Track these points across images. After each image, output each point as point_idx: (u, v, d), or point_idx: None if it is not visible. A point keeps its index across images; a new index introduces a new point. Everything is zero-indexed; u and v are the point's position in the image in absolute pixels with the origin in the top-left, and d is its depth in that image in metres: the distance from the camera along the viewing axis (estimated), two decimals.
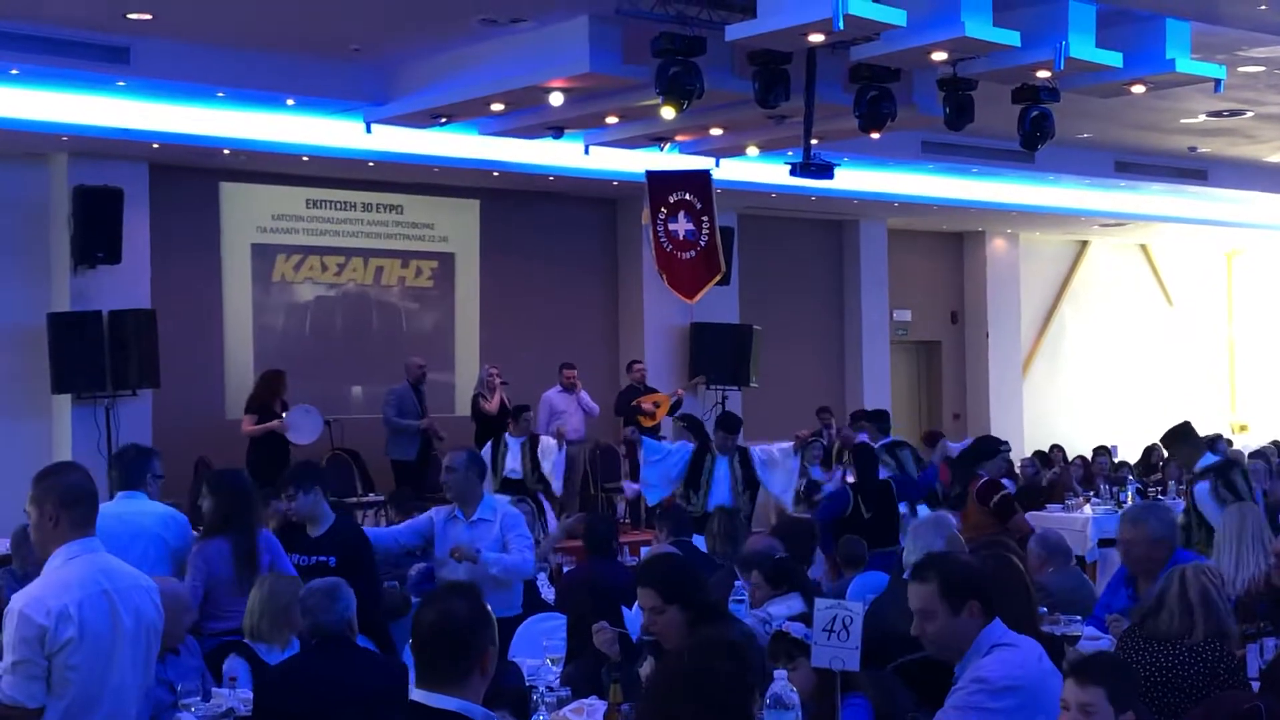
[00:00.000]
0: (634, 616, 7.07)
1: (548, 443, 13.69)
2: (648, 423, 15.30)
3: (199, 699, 5.62)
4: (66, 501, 4.56)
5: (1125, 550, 6.76)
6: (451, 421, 15.69)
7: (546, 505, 13.16)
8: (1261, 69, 13.46)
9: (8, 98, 12.63)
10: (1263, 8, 11.27)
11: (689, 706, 3.81)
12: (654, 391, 16.38)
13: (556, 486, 13.67)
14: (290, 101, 13.33)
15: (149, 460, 7.39)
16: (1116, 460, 16.69)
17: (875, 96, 11.50)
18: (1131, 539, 6.67)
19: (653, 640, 5.42)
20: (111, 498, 7.22)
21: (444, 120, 13.15)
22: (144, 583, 4.75)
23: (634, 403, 15.85)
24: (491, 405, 15.10)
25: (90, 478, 4.71)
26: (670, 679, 3.93)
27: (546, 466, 13.48)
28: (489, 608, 3.85)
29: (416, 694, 3.75)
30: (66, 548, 4.55)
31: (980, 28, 10.18)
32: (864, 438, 13.64)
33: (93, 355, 13.65)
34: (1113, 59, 11.16)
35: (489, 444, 13.51)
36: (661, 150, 14.57)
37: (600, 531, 9.09)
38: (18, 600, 4.48)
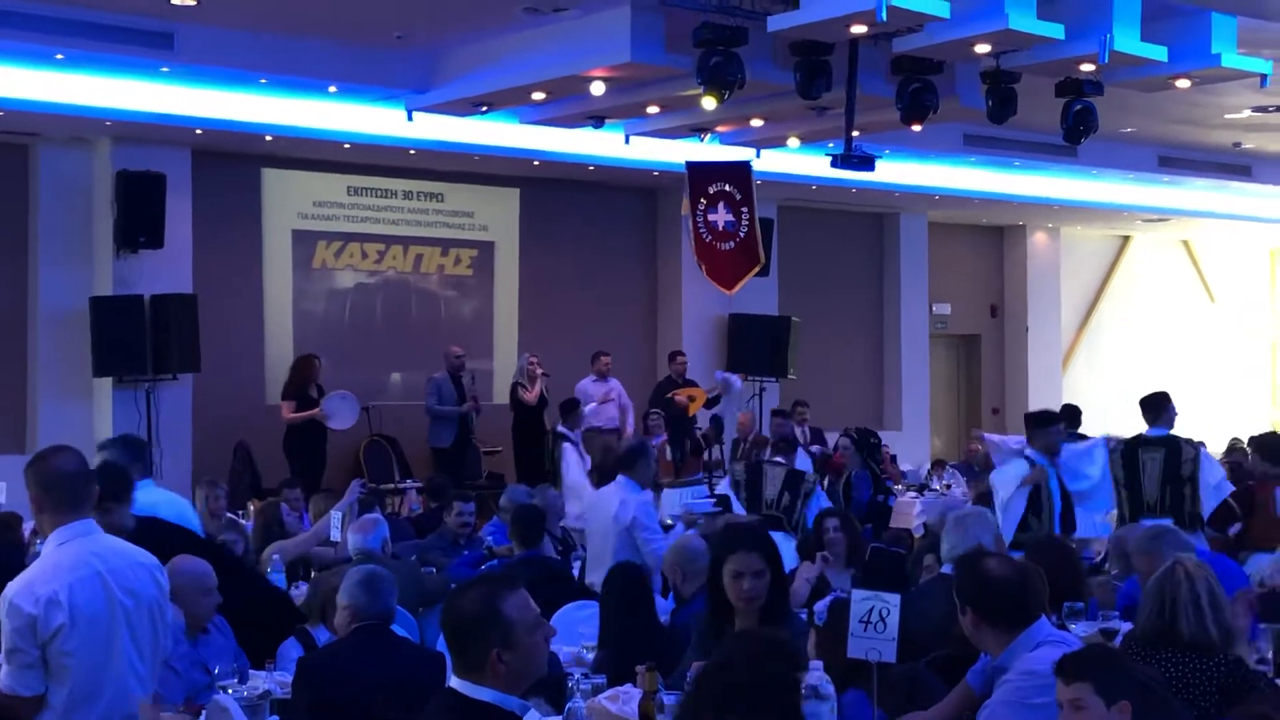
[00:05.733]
0: (665, 605, 7.09)
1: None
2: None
3: (235, 680, 5.64)
4: (47, 485, 4.48)
5: (1144, 581, 6.02)
6: (490, 410, 15.73)
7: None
8: None
9: (52, 82, 12.70)
10: None
11: (742, 709, 3.81)
12: (691, 384, 16.37)
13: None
14: (332, 88, 13.37)
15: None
16: None
17: (917, 89, 11.46)
18: (1149, 569, 5.94)
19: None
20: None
21: (485, 109, 13.16)
22: (143, 559, 4.65)
23: (668, 395, 15.86)
24: (531, 395, 15.13)
25: (80, 459, 4.61)
26: (722, 684, 3.90)
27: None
28: (506, 610, 3.70)
29: (454, 680, 3.76)
30: (58, 532, 4.47)
31: (1024, 20, 10.11)
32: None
33: (134, 339, 13.74)
34: (1158, 53, 11.07)
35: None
36: (702, 141, 14.54)
37: None
38: (10, 588, 4.41)
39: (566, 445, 13.55)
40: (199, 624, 5.95)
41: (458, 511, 9.74)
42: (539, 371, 15.24)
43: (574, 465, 13.22)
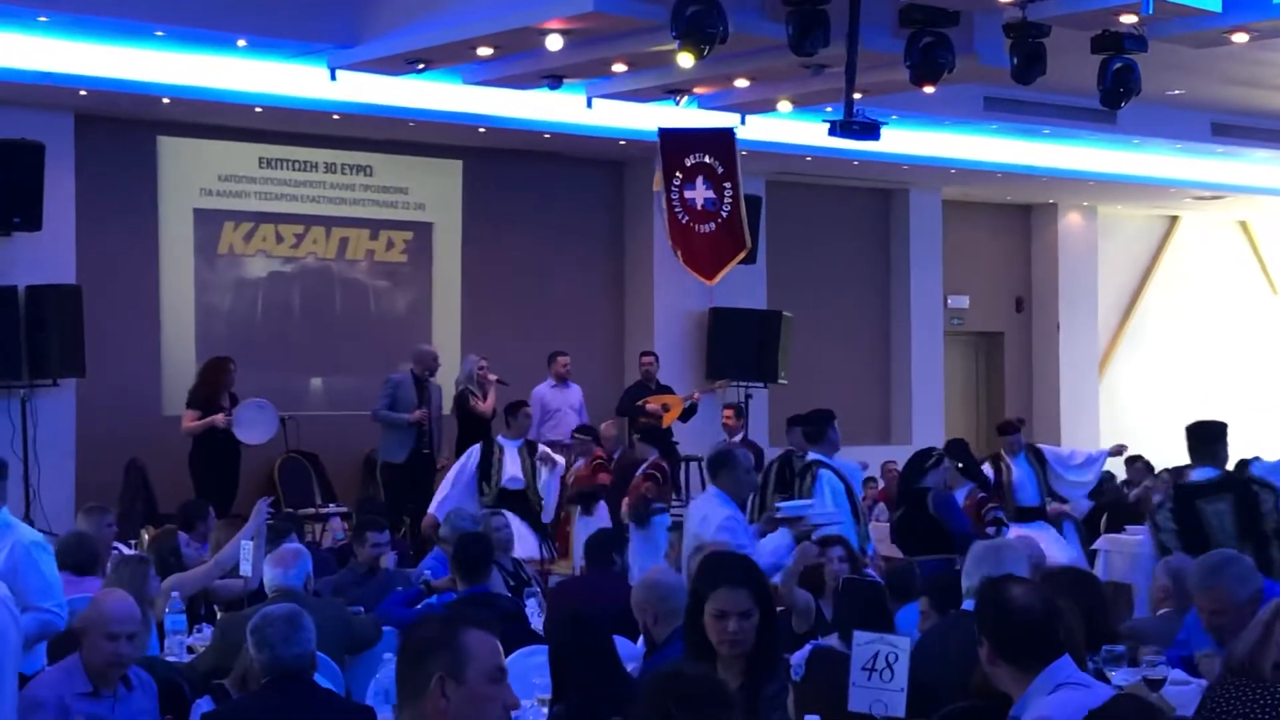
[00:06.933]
0: (635, 650, 7.09)
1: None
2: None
3: None
4: None
5: (1207, 620, 6.48)
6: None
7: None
8: None
9: None
10: None
11: None
12: (666, 390, 16.36)
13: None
14: (241, 42, 13.32)
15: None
16: None
17: (930, 43, 11.49)
18: (1212, 608, 6.37)
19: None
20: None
21: (422, 66, 13.13)
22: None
23: (639, 404, 15.86)
24: (486, 405, 15.08)
25: None
26: None
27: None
28: (468, 641, 3.63)
29: None
30: None
31: None
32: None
33: (7, 338, 13.65)
34: (1211, 2, 11.12)
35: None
36: (678, 105, 14.55)
37: (599, 539, 9.08)
38: None
39: (505, 445, 13.53)
40: (107, 678, 5.83)
41: (372, 544, 9.74)
42: (492, 378, 15.19)
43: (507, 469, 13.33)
